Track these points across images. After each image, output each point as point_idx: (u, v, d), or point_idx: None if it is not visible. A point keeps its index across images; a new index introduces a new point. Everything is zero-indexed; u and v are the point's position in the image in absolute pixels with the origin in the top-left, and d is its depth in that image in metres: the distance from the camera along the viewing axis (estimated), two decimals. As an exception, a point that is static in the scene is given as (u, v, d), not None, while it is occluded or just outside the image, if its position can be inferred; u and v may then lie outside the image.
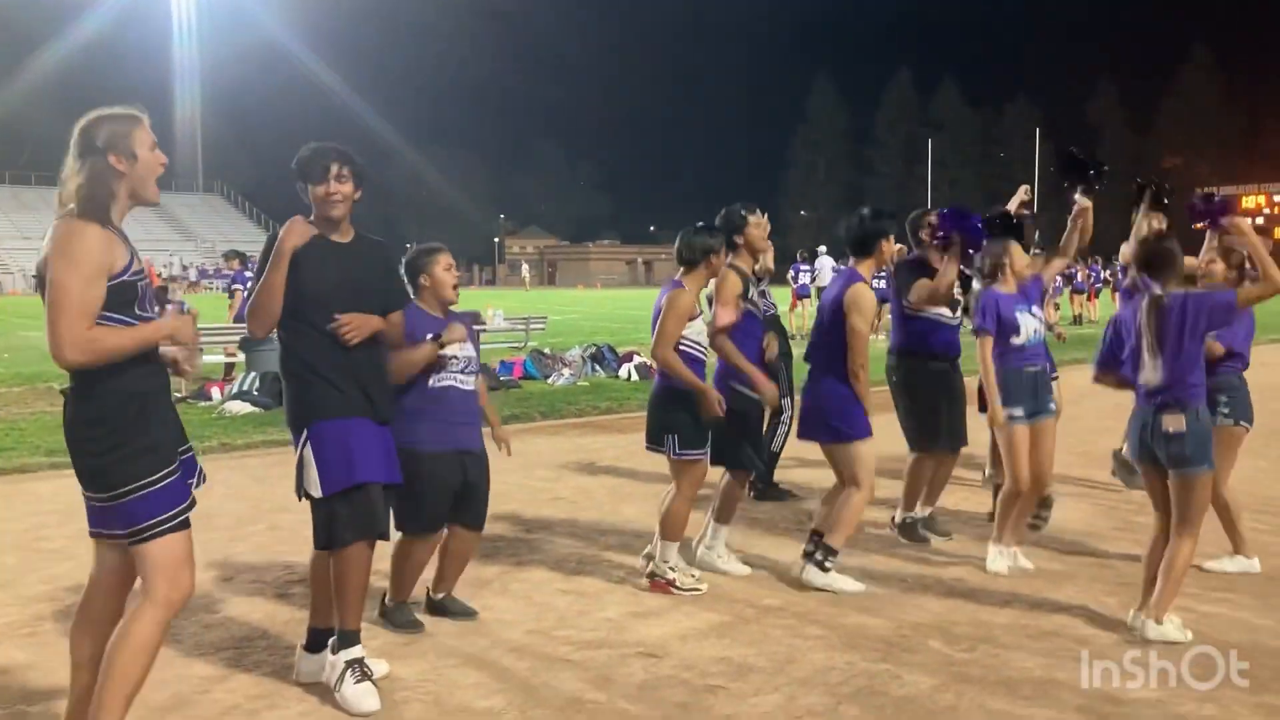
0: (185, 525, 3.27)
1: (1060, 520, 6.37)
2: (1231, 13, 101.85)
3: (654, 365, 5.39)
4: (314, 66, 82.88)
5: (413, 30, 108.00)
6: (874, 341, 6.21)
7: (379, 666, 4.12)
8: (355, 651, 3.94)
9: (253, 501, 7.12)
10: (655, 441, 5.28)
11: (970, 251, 5.70)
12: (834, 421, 5.33)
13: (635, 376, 14.21)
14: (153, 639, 3.22)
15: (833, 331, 5.36)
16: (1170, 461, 4.49)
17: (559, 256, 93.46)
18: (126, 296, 3.19)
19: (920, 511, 6.28)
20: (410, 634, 4.63)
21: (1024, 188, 6.77)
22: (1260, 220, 69.05)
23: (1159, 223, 6.07)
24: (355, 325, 3.90)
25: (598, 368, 14.82)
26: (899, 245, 6.22)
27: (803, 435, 5.55)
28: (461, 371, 4.67)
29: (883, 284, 10.46)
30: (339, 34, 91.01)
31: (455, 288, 4.73)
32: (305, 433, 3.92)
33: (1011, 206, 6.42)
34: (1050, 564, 5.61)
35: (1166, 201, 6.10)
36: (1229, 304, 4.51)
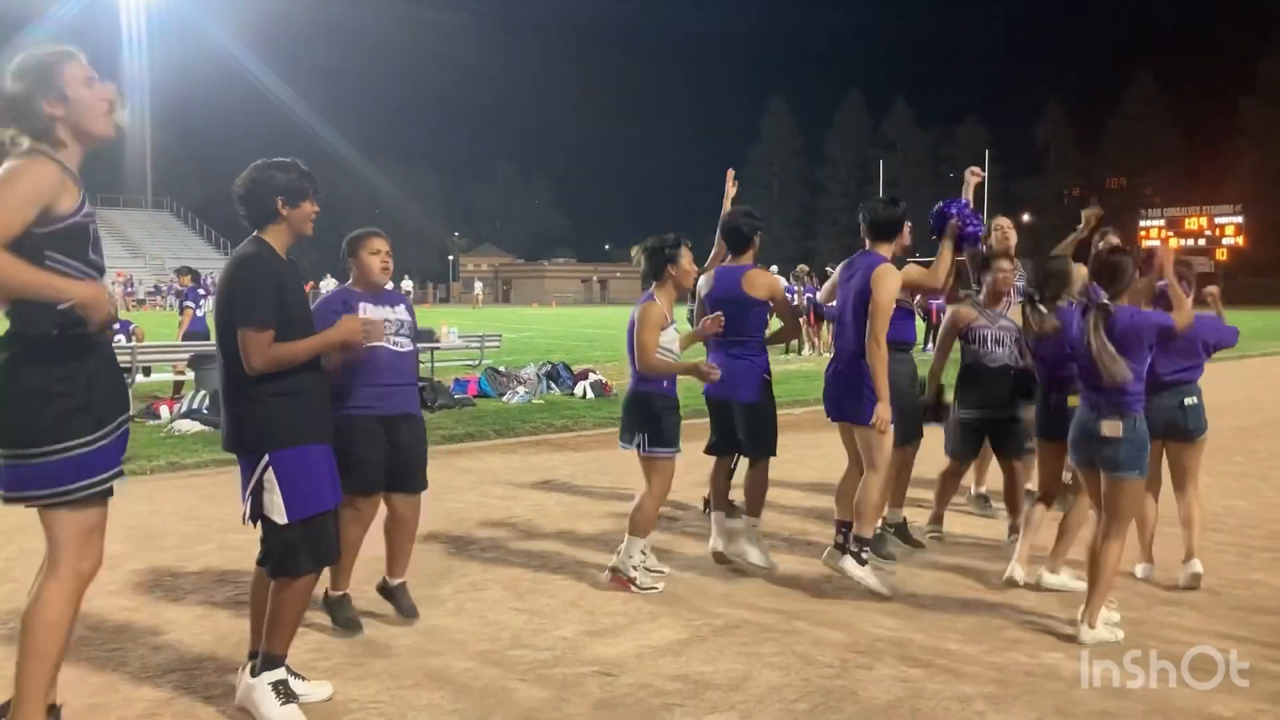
0: (106, 495, 3.19)
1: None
2: (1175, 38, 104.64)
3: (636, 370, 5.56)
4: (266, 81, 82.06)
5: (367, 46, 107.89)
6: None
7: (321, 689, 4.07)
8: (279, 673, 3.88)
9: (203, 521, 7.01)
10: (627, 440, 5.54)
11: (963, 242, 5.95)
12: (853, 403, 5.50)
13: (590, 394, 14.19)
14: (65, 613, 3.12)
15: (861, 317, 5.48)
16: (1104, 465, 4.74)
17: (514, 274, 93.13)
18: (77, 238, 2.97)
19: (893, 516, 6.33)
20: (348, 635, 4.74)
21: (972, 169, 6.71)
22: (1202, 241, 70.54)
23: (1114, 237, 6.33)
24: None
25: (553, 385, 14.79)
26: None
27: (834, 416, 5.70)
28: (395, 334, 4.73)
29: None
30: (292, 48, 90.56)
31: (384, 270, 4.79)
32: (269, 456, 3.77)
33: (968, 195, 6.44)
34: (1002, 579, 5.66)
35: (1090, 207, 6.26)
36: (1168, 326, 4.76)
